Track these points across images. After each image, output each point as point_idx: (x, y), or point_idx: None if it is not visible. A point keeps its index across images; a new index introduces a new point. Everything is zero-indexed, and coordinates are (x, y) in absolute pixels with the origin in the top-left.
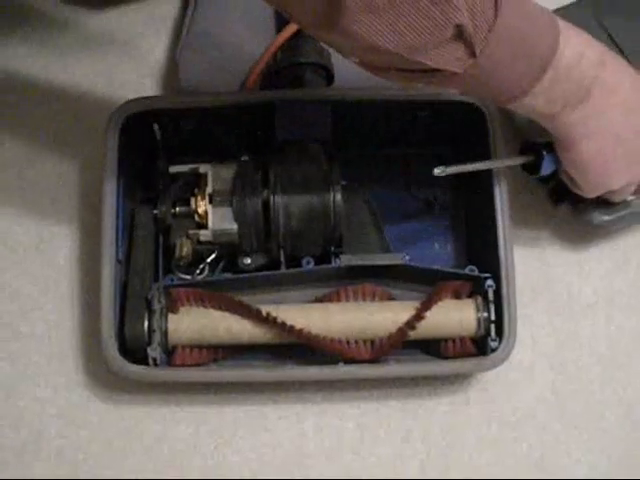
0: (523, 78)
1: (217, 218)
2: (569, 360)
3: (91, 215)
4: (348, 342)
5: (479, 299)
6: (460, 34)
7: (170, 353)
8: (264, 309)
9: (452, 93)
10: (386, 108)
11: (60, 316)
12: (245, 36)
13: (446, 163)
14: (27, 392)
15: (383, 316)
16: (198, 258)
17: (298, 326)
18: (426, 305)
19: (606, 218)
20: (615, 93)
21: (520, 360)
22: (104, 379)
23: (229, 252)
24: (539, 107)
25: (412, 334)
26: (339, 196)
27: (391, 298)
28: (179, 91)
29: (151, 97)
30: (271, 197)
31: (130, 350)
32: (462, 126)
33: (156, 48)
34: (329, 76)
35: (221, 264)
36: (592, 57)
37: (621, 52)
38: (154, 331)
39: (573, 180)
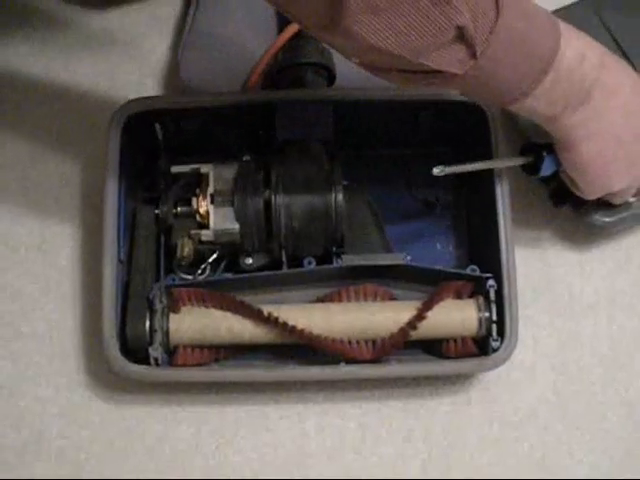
0: (524, 80)
1: (219, 218)
2: (571, 360)
3: (93, 215)
4: (350, 342)
5: (481, 299)
6: (461, 36)
7: (171, 353)
8: (265, 309)
9: (453, 93)
10: (387, 108)
11: (62, 316)
12: (247, 36)
13: (447, 163)
14: (28, 392)
15: (384, 316)
16: (200, 258)
17: (300, 326)
18: (428, 305)
19: (607, 220)
20: (616, 95)
21: (521, 360)
22: (105, 379)
23: (230, 252)
24: (540, 109)
25: (414, 334)
26: (340, 196)
27: (392, 298)
28: (181, 91)
29: (153, 97)
30: (272, 197)
31: (131, 350)
32: (463, 126)
33: (158, 48)
34: (330, 76)
35: (222, 264)
36: (593, 59)
37: (622, 51)
38: (155, 331)
39: (573, 182)
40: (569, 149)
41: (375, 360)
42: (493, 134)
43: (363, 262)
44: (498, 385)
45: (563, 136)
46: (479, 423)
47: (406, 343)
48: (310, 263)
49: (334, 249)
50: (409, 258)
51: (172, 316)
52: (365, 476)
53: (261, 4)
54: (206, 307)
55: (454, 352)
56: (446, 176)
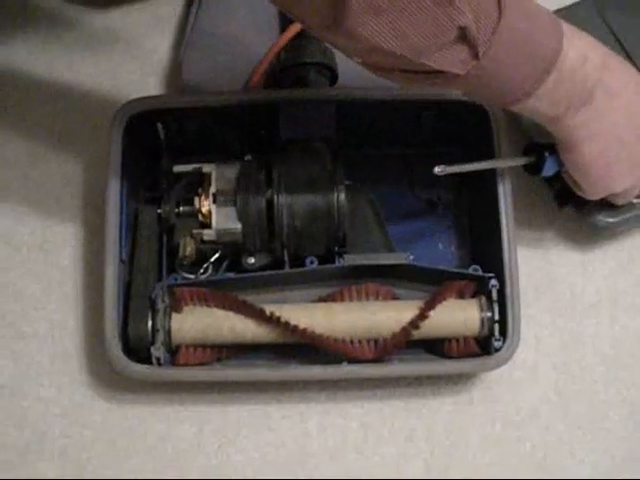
0: (527, 80)
1: (221, 217)
2: (573, 360)
3: (95, 215)
4: (352, 342)
5: (483, 299)
6: (464, 36)
7: (174, 352)
8: (268, 308)
9: (456, 93)
10: (390, 108)
11: (64, 316)
12: (249, 36)
13: (449, 163)
14: (31, 392)
15: (387, 316)
16: (202, 257)
17: (302, 325)
18: (430, 305)
19: (611, 220)
20: (618, 96)
21: (524, 360)
22: (108, 379)
23: (233, 251)
24: (542, 109)
25: (416, 334)
26: (343, 196)
27: (395, 298)
28: (183, 90)
29: (155, 96)
30: (275, 196)
31: (134, 350)
32: (466, 126)
33: (160, 47)
34: (333, 76)
35: (225, 263)
36: (595, 60)
37: (625, 51)
38: (158, 330)
39: (576, 183)
40: (571, 150)
41: (377, 360)
42: (495, 134)
43: (365, 261)
44: (500, 385)
45: (565, 137)
46: (481, 423)
47: (408, 343)
48: (312, 262)
49: (336, 248)
50: (411, 258)
51: (174, 316)
52: (367, 476)
53: (263, 3)
54: (208, 307)
55: (456, 352)
56: (448, 176)
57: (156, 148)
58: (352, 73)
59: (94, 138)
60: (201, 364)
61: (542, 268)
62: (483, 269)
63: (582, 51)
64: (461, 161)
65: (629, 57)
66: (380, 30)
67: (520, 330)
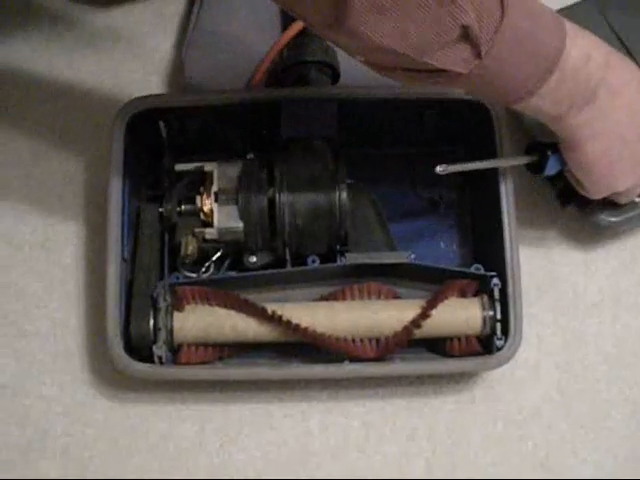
0: (529, 79)
1: (223, 216)
2: (575, 359)
3: (97, 213)
4: (353, 340)
5: (485, 298)
6: (466, 35)
7: (175, 351)
8: (269, 307)
9: (458, 92)
10: (392, 107)
11: (66, 314)
12: (251, 34)
13: (451, 162)
14: (32, 390)
15: (388, 314)
16: (203, 256)
17: (303, 324)
18: (432, 303)
19: (613, 219)
20: (621, 95)
21: (526, 359)
22: (110, 377)
23: (234, 250)
24: (545, 108)
25: (417, 332)
26: (345, 194)
27: (397, 296)
28: (185, 89)
29: (157, 95)
30: (277, 195)
31: (135, 348)
32: (468, 125)
33: (162, 46)
34: (335, 74)
35: (226, 262)
36: (598, 59)
37: (627, 50)
38: (159, 329)
39: (579, 182)
40: (574, 149)
41: (379, 358)
42: (498, 133)
43: (367, 260)
44: (502, 384)
45: (568, 135)
46: (483, 422)
47: (410, 341)
48: (314, 261)
49: (338, 247)
50: (413, 256)
51: (176, 314)
52: (369, 475)
53: (265, 2)
54: (210, 305)
55: (458, 351)
56: (450, 175)
57: (158, 147)
58: (354, 72)
59: (96, 137)
60: (203, 363)
61: (544, 267)
62: (485, 268)
63: (585, 50)
64: (463, 160)
65: (631, 56)
66: (382, 29)
67: (522, 329)
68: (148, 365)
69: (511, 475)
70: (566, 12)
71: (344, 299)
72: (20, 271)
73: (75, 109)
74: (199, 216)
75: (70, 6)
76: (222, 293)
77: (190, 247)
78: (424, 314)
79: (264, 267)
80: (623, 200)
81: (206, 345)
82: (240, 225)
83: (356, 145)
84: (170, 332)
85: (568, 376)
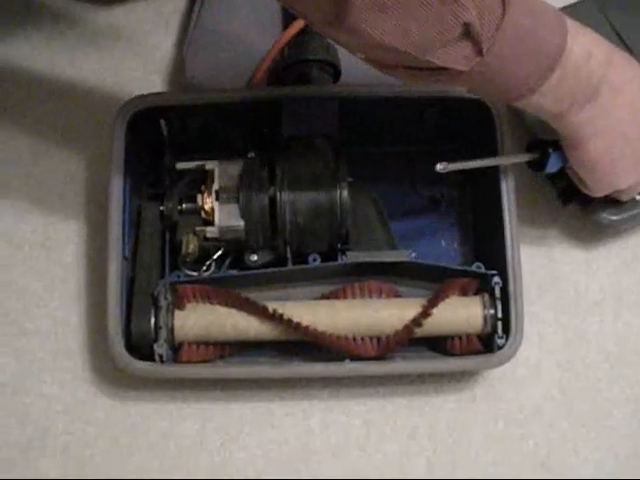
0: (531, 76)
1: (223, 215)
2: (576, 358)
3: (97, 212)
4: (354, 339)
5: (486, 296)
6: (467, 32)
7: (176, 350)
8: (270, 306)
9: (459, 90)
10: (393, 105)
11: (66, 313)
12: (252, 33)
13: (452, 160)
14: (33, 389)
15: (389, 313)
16: (204, 255)
17: (304, 323)
18: (433, 302)
19: (615, 218)
20: (623, 92)
21: (527, 357)
22: (110, 376)
23: (235, 249)
24: (547, 105)
25: (418, 331)
26: (346, 193)
27: (397, 295)
28: (186, 88)
29: (158, 93)
30: (278, 194)
31: (136, 347)
32: (469, 123)
33: (163, 44)
34: (336, 73)
35: (227, 261)
36: (600, 56)
37: (628, 49)
38: (160, 328)
39: (581, 180)
40: (576, 146)
41: (380, 357)
42: (499, 131)
43: (368, 259)
44: (503, 382)
45: (570, 133)
46: (484, 420)
47: (411, 340)
48: (315, 260)
49: (339, 246)
50: (414, 255)
51: (177, 313)
52: (370, 473)
53: (266, 1)
54: (211, 304)
55: (459, 349)
56: (451, 173)
57: (159, 145)
58: (355, 70)
59: (97, 135)
60: (204, 361)
61: (545, 266)
62: (486, 266)
63: (587, 47)
64: (464, 158)
65: (632, 55)
66: (383, 26)
67: (523, 328)
68: (149, 363)
69: (512, 474)
70: (567, 11)
71: (345, 297)
72: (21, 270)
73: (76, 107)
74: (200, 214)
75: (71, 4)
76: (223, 291)
77: (191, 245)
78: (425, 313)
79: (265, 265)
80: (625, 198)
81: (207, 343)
82: (241, 223)
83: (357, 143)
84: (171, 330)
85: (569, 375)
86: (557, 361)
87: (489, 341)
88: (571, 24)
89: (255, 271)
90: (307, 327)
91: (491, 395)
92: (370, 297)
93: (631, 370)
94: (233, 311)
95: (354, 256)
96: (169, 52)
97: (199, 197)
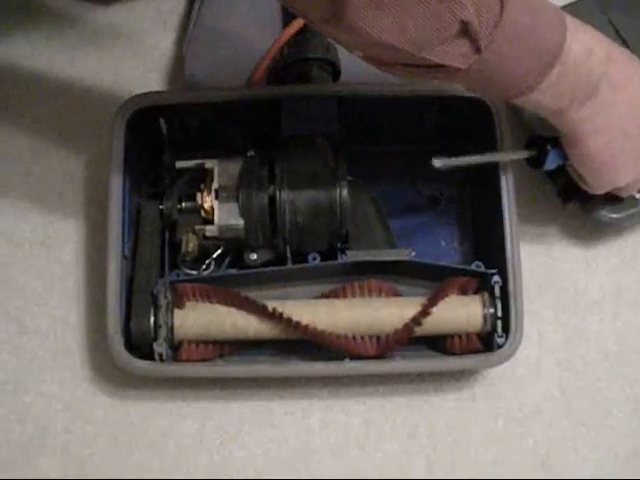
0: (530, 73)
1: (223, 213)
2: (576, 356)
3: (97, 211)
4: (354, 338)
5: (486, 295)
6: (465, 30)
7: (176, 348)
8: (270, 305)
9: (459, 89)
10: (392, 104)
11: (66, 311)
12: (252, 31)
13: (448, 156)
14: (33, 387)
15: (389, 312)
16: (204, 253)
17: (304, 322)
18: (432, 301)
19: (615, 216)
20: (623, 89)
21: (527, 356)
22: (110, 374)
23: (235, 248)
24: (546, 103)
25: (418, 330)
26: (345, 192)
27: (397, 294)
28: (185, 86)
29: (158, 92)
30: (277, 192)
31: (136, 345)
32: (468, 122)
33: (162, 43)
34: (336, 72)
35: (227, 260)
36: (600, 53)
37: (629, 49)
38: (160, 326)
39: (581, 176)
40: (576, 143)
41: (379, 356)
42: (498, 129)
43: (368, 258)
44: (503, 381)
45: (570, 130)
46: (484, 419)
47: (411, 339)
48: (314, 259)
49: (339, 245)
50: (414, 254)
51: (176, 312)
52: (369, 472)
53: (266, 0)
54: (210, 303)
55: (459, 348)
56: (451, 172)
57: (158, 144)
58: (355, 69)
59: (96, 134)
60: (203, 360)
61: (545, 264)
62: (486, 265)
63: (586, 44)
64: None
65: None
66: (380, 24)
67: (523, 326)
68: (148, 362)
69: (512, 473)
70: (567, 10)
71: (345, 296)
72: (20, 268)
73: (75, 106)
74: (200, 213)
75: (70, 4)
76: (223, 290)
77: (190, 244)
78: (425, 312)
79: (265, 264)
80: (625, 194)
81: (206, 342)
82: (241, 222)
83: (357, 142)
84: (170, 329)
85: (569, 374)
86: (557, 360)
87: (489, 340)
88: (570, 21)
89: (255, 270)
90: (307, 326)
91: (491, 394)
92: (370, 296)
93: (631, 369)
94: (233, 310)
95: (354, 255)
96: (168, 51)
97: (199, 196)
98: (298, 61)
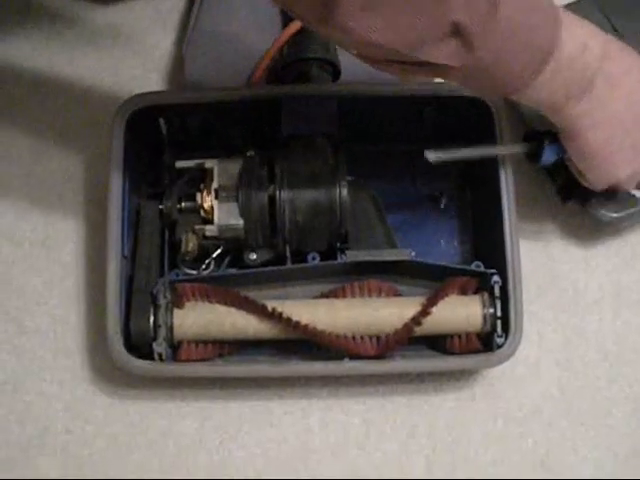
0: (524, 70)
1: (223, 213)
2: (575, 356)
3: (97, 211)
4: (354, 338)
5: (485, 295)
6: (457, 30)
7: (175, 348)
8: (269, 304)
9: (459, 89)
10: (392, 104)
11: (66, 311)
12: (251, 31)
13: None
14: (33, 387)
15: (389, 312)
16: (204, 253)
17: (304, 322)
18: (432, 301)
19: (614, 215)
20: (620, 85)
21: (526, 356)
22: (110, 374)
23: (235, 247)
24: (542, 98)
25: (418, 330)
26: (345, 191)
27: (397, 294)
28: (185, 86)
29: (157, 92)
30: (277, 192)
31: (135, 345)
32: (468, 122)
33: (162, 43)
34: (335, 71)
35: (227, 259)
36: (595, 48)
37: None
38: (159, 326)
39: (580, 173)
40: (574, 138)
41: (379, 356)
42: (498, 129)
43: (367, 258)
44: (502, 381)
45: (568, 125)
46: (483, 419)
47: (410, 339)
48: (314, 258)
49: (338, 244)
50: (413, 254)
51: (176, 311)
52: (369, 473)
53: (265, 1)
54: (210, 302)
55: (458, 348)
56: (451, 171)
57: (158, 144)
58: (355, 69)
59: (96, 134)
60: (203, 360)
61: (545, 264)
62: (485, 265)
63: (581, 39)
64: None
65: None
66: (372, 25)
67: (522, 326)
68: (148, 362)
69: (511, 473)
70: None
71: (344, 296)
72: (20, 268)
73: (75, 107)
74: (199, 213)
75: (70, 4)
76: (222, 290)
77: (190, 244)
78: (424, 311)
79: (264, 264)
80: (624, 189)
81: (206, 342)
82: (240, 222)
83: (356, 142)
84: (170, 329)
85: (568, 373)
86: (556, 360)
87: (488, 340)
88: (565, 16)
89: (254, 270)
90: (306, 326)
91: (490, 394)
92: (369, 296)
93: (630, 369)
94: (232, 310)
95: (353, 255)
96: (168, 51)
97: (198, 195)
98: (298, 61)
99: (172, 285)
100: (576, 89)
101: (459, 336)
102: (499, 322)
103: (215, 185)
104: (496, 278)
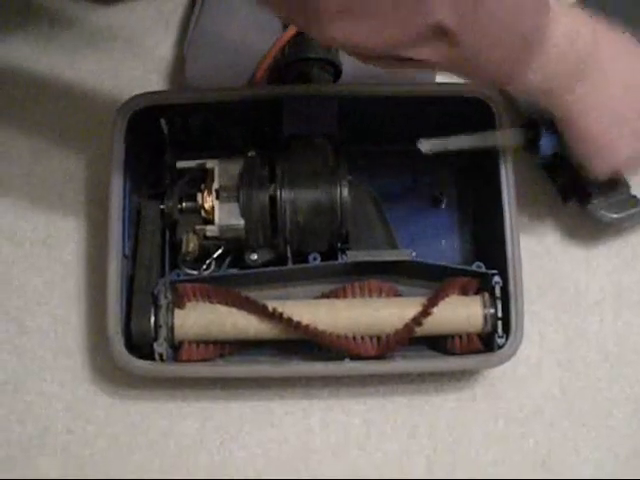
0: (514, 62)
1: (224, 213)
2: (577, 357)
3: (98, 210)
4: (354, 338)
5: (486, 295)
6: (440, 29)
7: (176, 348)
8: (270, 305)
9: (459, 88)
10: (393, 104)
11: (66, 311)
12: (252, 31)
13: (451, 158)
14: (33, 387)
15: (389, 312)
16: (205, 253)
17: (304, 322)
18: (433, 301)
19: (615, 216)
20: (613, 69)
21: (527, 356)
22: (110, 374)
23: (235, 247)
24: (534, 88)
25: (419, 330)
26: (346, 191)
27: (398, 294)
28: (186, 86)
29: (158, 92)
30: (278, 192)
31: (136, 345)
32: (469, 122)
33: (163, 44)
34: (336, 72)
35: (227, 259)
36: (586, 36)
37: None
38: (160, 326)
39: (580, 162)
40: (570, 125)
41: (380, 356)
42: (499, 129)
43: (368, 258)
44: (503, 381)
45: (564, 113)
46: (484, 419)
47: (411, 339)
48: (315, 259)
49: (339, 245)
50: (414, 254)
51: (177, 312)
52: (369, 473)
53: None
54: (211, 303)
55: (459, 348)
56: (451, 172)
57: (159, 144)
58: (356, 69)
59: (97, 134)
60: (204, 360)
61: (546, 264)
62: (486, 265)
63: (572, 27)
64: (461, 156)
65: None
66: (354, 31)
67: (523, 327)
68: (149, 362)
69: (512, 473)
70: None
71: (345, 297)
72: (21, 268)
73: (76, 107)
74: (200, 213)
75: (70, 5)
76: (223, 290)
77: (191, 244)
78: (425, 312)
79: (265, 264)
80: (625, 173)
81: (207, 342)
82: (241, 222)
83: (357, 142)
84: (171, 329)
85: (570, 374)
86: (557, 360)
87: (489, 340)
88: (554, 4)
89: (255, 270)
90: (307, 326)
91: (491, 394)
92: (370, 296)
93: (631, 369)
94: (233, 310)
95: (354, 255)
96: (169, 51)
97: (199, 196)
98: (299, 61)
99: (173, 285)
100: (569, 76)
101: (460, 336)
102: (500, 322)
103: (216, 185)
104: (497, 278)
